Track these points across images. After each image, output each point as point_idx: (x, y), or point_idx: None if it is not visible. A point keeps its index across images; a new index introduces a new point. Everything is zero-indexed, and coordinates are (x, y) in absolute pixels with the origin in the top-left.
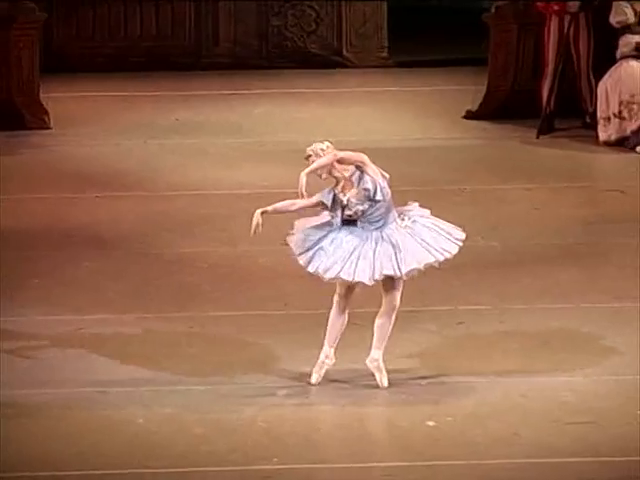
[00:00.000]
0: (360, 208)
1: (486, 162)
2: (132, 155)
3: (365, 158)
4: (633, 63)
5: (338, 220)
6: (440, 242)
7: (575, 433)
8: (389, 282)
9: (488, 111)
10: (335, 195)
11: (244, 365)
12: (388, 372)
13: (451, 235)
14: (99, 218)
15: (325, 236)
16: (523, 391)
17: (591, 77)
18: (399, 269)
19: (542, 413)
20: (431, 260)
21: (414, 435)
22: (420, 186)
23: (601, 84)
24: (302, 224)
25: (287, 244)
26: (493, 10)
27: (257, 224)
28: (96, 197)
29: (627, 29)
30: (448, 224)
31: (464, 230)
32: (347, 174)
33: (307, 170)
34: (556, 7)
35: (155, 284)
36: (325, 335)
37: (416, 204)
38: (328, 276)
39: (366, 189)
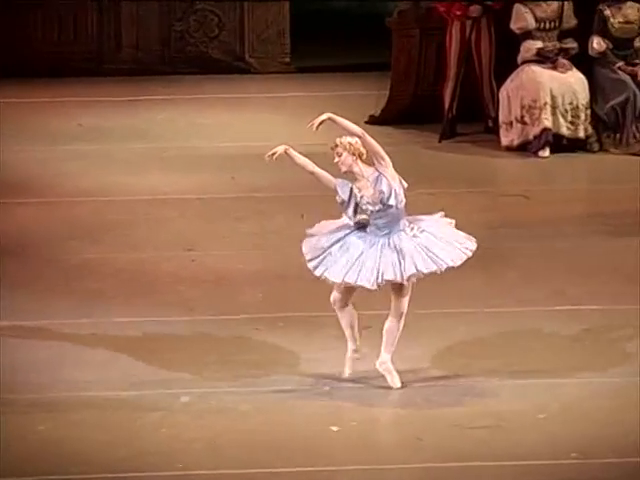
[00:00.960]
0: (371, 209)
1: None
2: (36, 161)
3: (388, 160)
4: (535, 68)
5: (350, 214)
6: (447, 252)
7: (477, 437)
8: (397, 288)
9: (391, 116)
10: (352, 190)
11: (149, 371)
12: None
13: (461, 244)
14: (3, 225)
15: (336, 242)
16: (426, 395)
17: (493, 82)
18: (401, 275)
19: (445, 418)
20: (432, 268)
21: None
22: (324, 192)
23: (503, 89)
24: (320, 228)
25: (190, 249)
26: (395, 15)
27: (275, 152)
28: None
29: (528, 34)
30: (460, 234)
31: None
32: (366, 174)
33: (335, 116)
34: (458, 12)
35: (59, 290)
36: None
37: (439, 214)
38: (332, 280)
39: (381, 191)
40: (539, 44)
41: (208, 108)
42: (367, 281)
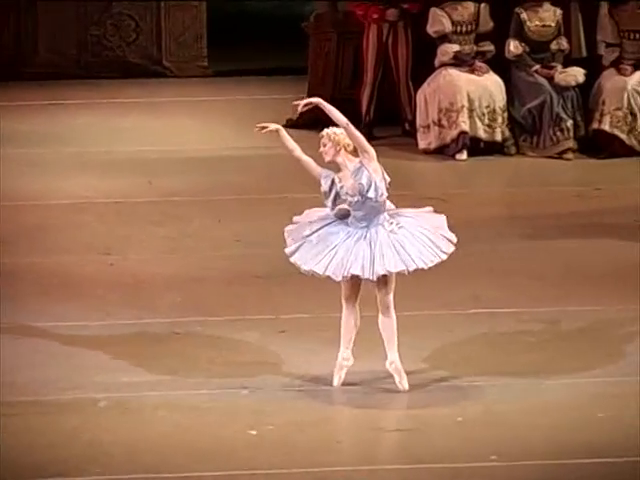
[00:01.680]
0: (350, 199)
1: (306, 170)
2: None
3: (372, 152)
4: (452, 71)
5: (329, 204)
6: (420, 252)
7: (395, 440)
8: (382, 283)
9: (308, 120)
10: (333, 180)
11: (68, 375)
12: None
13: (436, 247)
14: None
15: (316, 231)
16: (344, 399)
17: (410, 85)
18: (369, 272)
19: (363, 421)
20: (401, 268)
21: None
22: (240, 195)
23: (420, 93)
24: (305, 216)
25: (108, 254)
26: (312, 19)
27: (267, 127)
28: None
29: (445, 38)
30: (438, 235)
31: (284, 239)
32: (349, 165)
33: (323, 102)
34: (375, 15)
35: None
36: (340, 337)
37: (427, 209)
38: (304, 268)
39: (361, 184)
40: (456, 47)
41: (126, 112)
42: (334, 273)
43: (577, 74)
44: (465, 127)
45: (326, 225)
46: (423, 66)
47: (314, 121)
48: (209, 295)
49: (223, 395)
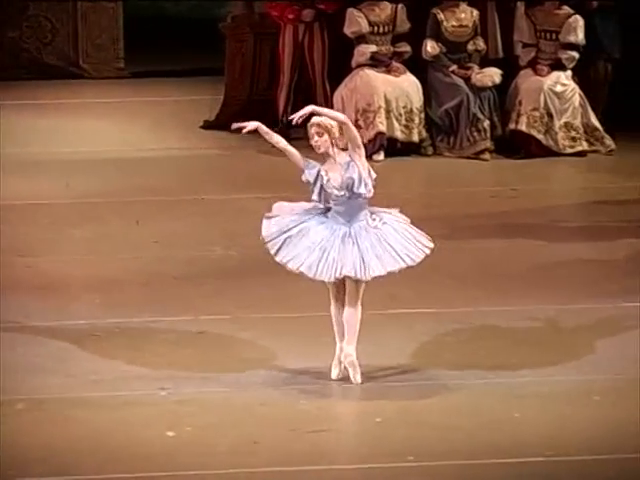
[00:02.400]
0: (336, 193)
1: (223, 172)
2: None
3: (363, 150)
4: (368, 72)
5: (315, 197)
6: (407, 248)
7: (313, 441)
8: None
9: (225, 121)
10: (319, 172)
11: None
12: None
13: (419, 242)
14: None
15: (296, 225)
16: (262, 400)
17: (327, 86)
18: (362, 273)
19: (280, 422)
20: (394, 267)
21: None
22: (156, 196)
23: (337, 93)
24: (278, 210)
25: (25, 256)
26: (229, 20)
27: (246, 127)
28: None
29: (362, 39)
30: (417, 231)
31: (201, 240)
32: (339, 158)
33: (317, 108)
34: (290, 16)
35: None
36: (335, 334)
37: (396, 209)
38: (291, 267)
39: (350, 178)
40: (373, 48)
41: (43, 114)
42: (326, 275)
43: (494, 75)
44: (382, 128)
45: (306, 220)
46: (340, 67)
47: (230, 121)
48: (127, 297)
49: (141, 396)
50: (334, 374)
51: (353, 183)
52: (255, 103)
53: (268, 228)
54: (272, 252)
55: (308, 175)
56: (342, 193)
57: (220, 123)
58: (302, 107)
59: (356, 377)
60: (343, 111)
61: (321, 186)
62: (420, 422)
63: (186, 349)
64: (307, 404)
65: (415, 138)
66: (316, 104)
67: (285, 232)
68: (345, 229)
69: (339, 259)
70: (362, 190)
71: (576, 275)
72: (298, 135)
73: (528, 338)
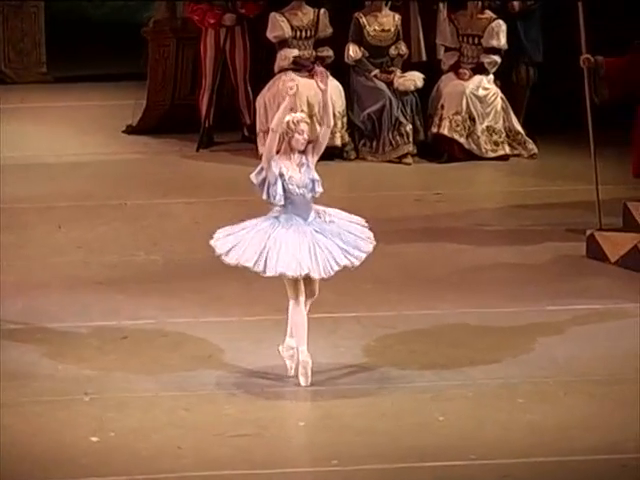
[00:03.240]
0: (297, 192)
1: (147, 177)
2: None
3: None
4: (291, 76)
5: (280, 192)
6: (357, 242)
7: (237, 445)
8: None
9: (148, 125)
10: (280, 169)
11: None
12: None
13: (366, 235)
14: None
15: (252, 229)
16: (186, 405)
17: (249, 90)
18: (323, 270)
19: (205, 426)
20: (347, 262)
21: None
22: (80, 201)
23: (259, 98)
24: (225, 231)
25: None
26: (151, 24)
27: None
28: None
29: (284, 43)
30: (356, 224)
31: (125, 245)
32: (297, 158)
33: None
34: (212, 20)
35: None
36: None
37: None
38: (244, 265)
39: (312, 179)
40: (295, 52)
41: None
42: (289, 270)
43: (416, 79)
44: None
45: (258, 224)
46: (262, 71)
47: (153, 126)
48: (51, 302)
49: (65, 402)
50: (303, 382)
51: (314, 183)
52: (178, 108)
53: (221, 243)
54: (223, 254)
55: (276, 169)
56: (300, 191)
57: (143, 128)
58: (225, 112)
59: (292, 369)
60: (266, 115)
61: (283, 184)
62: (344, 426)
63: (109, 354)
64: (231, 408)
65: (338, 142)
66: (238, 109)
67: (240, 238)
68: (297, 226)
69: (300, 256)
70: (319, 190)
71: (500, 279)
72: (221, 139)
73: (452, 341)
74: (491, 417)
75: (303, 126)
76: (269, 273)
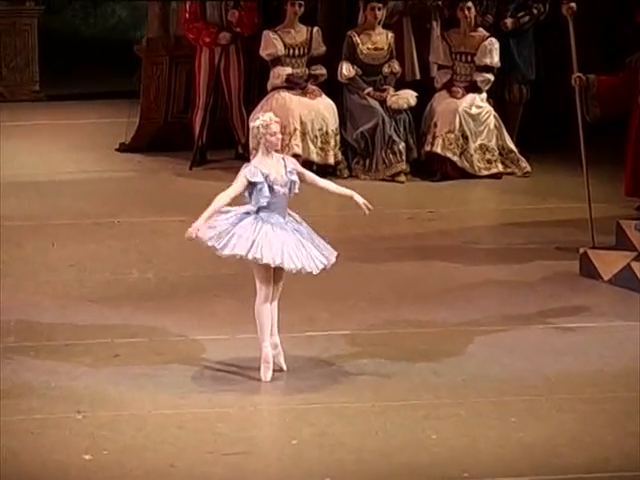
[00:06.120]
0: (282, 191)
1: (140, 194)
2: None
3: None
4: (284, 94)
5: (267, 193)
6: (324, 243)
7: (230, 463)
8: (282, 271)
9: (141, 143)
10: (262, 172)
11: None
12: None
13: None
14: None
15: (236, 224)
16: (179, 423)
17: (243, 109)
18: (316, 265)
19: (198, 444)
20: (326, 262)
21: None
22: (73, 219)
23: (253, 116)
24: (208, 229)
25: None
26: (145, 42)
27: None
28: None
29: (277, 61)
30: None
31: (117, 263)
32: (276, 158)
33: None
34: (207, 39)
35: None
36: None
37: None
38: (239, 254)
39: (294, 180)
40: (288, 70)
41: None
42: (269, 259)
43: (409, 97)
44: (298, 150)
45: (242, 219)
46: (256, 89)
47: (146, 144)
48: (43, 319)
49: (57, 419)
50: (268, 376)
51: (294, 184)
52: (171, 126)
53: (210, 235)
54: (219, 249)
55: (256, 177)
56: (283, 191)
57: (136, 146)
58: (219, 130)
59: (281, 361)
60: None
61: (268, 185)
62: (337, 443)
63: (102, 372)
64: (224, 427)
65: (331, 160)
66: (233, 127)
67: (229, 231)
68: (280, 224)
69: (286, 251)
70: (297, 190)
71: (492, 297)
72: (214, 157)
73: (444, 359)
74: (484, 435)
75: (274, 127)
76: (266, 261)
